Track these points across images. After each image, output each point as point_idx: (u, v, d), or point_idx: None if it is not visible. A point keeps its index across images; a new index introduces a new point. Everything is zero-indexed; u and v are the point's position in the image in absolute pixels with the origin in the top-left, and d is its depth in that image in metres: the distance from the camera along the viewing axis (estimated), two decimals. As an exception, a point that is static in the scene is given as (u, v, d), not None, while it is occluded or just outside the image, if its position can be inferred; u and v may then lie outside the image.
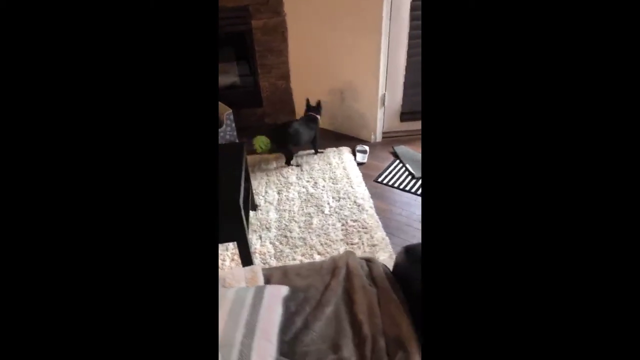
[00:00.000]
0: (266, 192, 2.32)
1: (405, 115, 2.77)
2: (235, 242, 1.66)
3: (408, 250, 1.16)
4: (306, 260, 1.82)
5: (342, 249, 1.87)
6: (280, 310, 0.99)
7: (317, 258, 1.82)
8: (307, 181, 2.39)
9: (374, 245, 1.88)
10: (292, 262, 1.80)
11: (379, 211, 2.12)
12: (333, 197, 2.23)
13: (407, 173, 2.44)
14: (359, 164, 2.54)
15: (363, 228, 1.99)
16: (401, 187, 2.33)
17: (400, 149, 2.65)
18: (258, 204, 2.21)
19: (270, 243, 1.94)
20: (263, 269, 1.22)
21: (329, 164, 2.53)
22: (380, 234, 1.95)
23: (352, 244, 1.90)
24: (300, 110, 2.74)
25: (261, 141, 2.70)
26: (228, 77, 3.03)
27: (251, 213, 2.12)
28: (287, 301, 1.06)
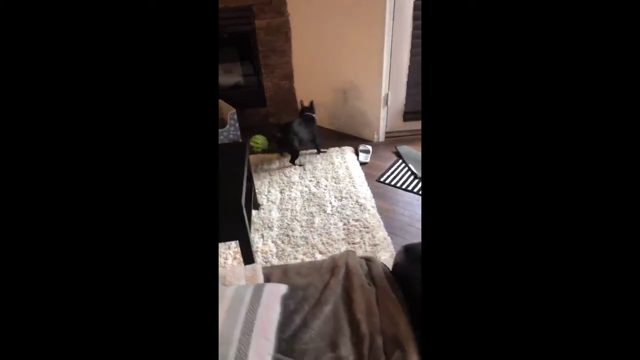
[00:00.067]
0: (269, 191, 2.33)
1: (408, 115, 2.76)
2: (237, 241, 1.67)
3: (407, 250, 1.16)
4: (307, 260, 1.82)
5: (343, 248, 1.88)
6: (278, 309, 0.99)
7: (319, 257, 1.83)
8: (310, 180, 2.39)
9: (375, 245, 1.88)
10: (293, 261, 1.81)
11: (382, 211, 2.12)
12: (335, 197, 2.24)
13: (409, 173, 2.44)
14: (362, 164, 2.54)
15: (365, 228, 1.99)
16: (404, 187, 2.33)
17: (403, 149, 2.65)
18: (261, 203, 2.22)
19: (272, 242, 1.95)
20: (263, 268, 1.23)
21: (332, 164, 2.53)
22: (382, 233, 1.95)
23: (353, 244, 1.90)
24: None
25: (259, 140, 2.72)
26: (232, 77, 3.04)
27: (254, 212, 2.13)
28: (286, 299, 1.06)
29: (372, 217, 2.06)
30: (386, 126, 2.78)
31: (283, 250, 1.89)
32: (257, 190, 2.27)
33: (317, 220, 2.07)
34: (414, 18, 2.38)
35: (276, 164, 2.58)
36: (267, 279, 1.18)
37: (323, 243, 1.92)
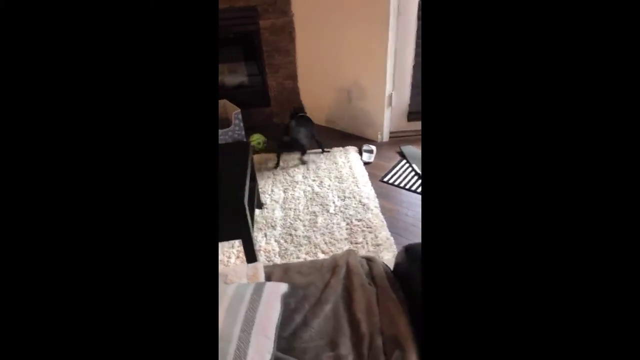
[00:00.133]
0: (272, 190, 2.34)
1: (412, 115, 2.76)
2: (240, 240, 1.68)
3: (408, 250, 1.16)
4: (310, 259, 1.83)
5: (346, 248, 1.88)
6: (278, 307, 1.00)
7: (321, 257, 1.83)
8: (313, 180, 2.40)
9: (378, 245, 1.88)
10: (296, 260, 1.82)
11: (385, 211, 2.11)
12: (338, 196, 2.24)
13: (413, 173, 2.43)
14: (365, 164, 2.54)
15: (367, 227, 1.99)
16: (407, 187, 2.32)
17: (407, 149, 2.64)
18: (264, 202, 2.23)
19: (275, 241, 1.95)
20: (265, 266, 1.24)
21: (335, 163, 2.54)
22: (384, 233, 1.95)
23: (356, 243, 1.90)
24: (309, 110, 2.75)
25: (257, 139, 2.73)
26: (236, 76, 3.06)
27: (257, 211, 2.14)
28: (287, 298, 1.07)
29: (375, 217, 2.06)
30: (390, 126, 2.77)
31: (286, 249, 1.90)
32: (260, 190, 2.28)
33: (320, 219, 2.07)
34: (419, 18, 2.38)
35: (280, 164, 2.58)
36: (269, 278, 1.19)
37: (326, 243, 1.92)
